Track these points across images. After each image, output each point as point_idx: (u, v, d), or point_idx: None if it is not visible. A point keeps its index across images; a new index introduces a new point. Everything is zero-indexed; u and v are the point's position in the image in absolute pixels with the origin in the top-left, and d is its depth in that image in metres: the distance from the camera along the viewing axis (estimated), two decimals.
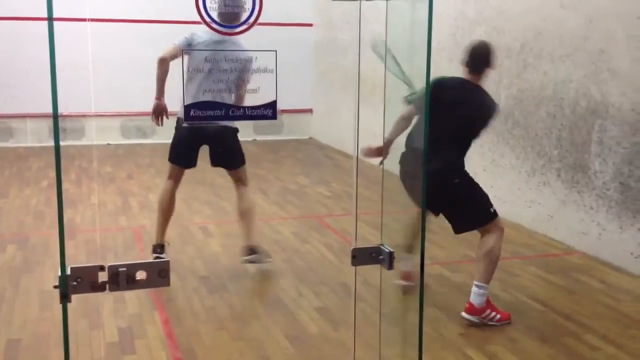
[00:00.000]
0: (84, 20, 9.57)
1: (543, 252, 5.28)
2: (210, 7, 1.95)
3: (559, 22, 5.44)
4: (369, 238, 2.04)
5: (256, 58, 2.17)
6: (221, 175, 7.84)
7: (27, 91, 9.77)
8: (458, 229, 3.99)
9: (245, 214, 4.68)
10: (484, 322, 3.83)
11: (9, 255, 5.00)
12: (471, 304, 3.83)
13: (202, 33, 3.96)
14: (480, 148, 6.53)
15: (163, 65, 4.23)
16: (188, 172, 4.73)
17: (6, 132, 9.90)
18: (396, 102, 4.06)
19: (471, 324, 3.82)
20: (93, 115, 9.47)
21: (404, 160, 3.84)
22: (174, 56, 4.21)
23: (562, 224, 5.46)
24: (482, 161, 6.52)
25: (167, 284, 1.88)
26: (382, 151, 3.82)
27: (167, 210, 4.66)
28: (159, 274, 1.87)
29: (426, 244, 1.97)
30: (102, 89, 7.95)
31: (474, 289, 3.85)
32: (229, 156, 4.71)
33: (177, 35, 4.45)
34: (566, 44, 5.36)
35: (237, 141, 4.68)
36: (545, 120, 5.62)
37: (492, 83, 6.28)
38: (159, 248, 4.62)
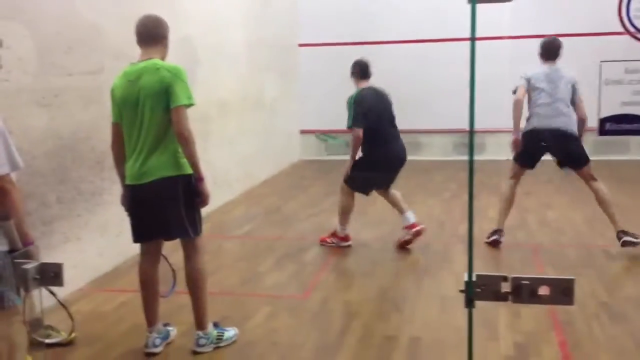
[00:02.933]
0: (500, 38, 9.94)
1: None
2: (634, 16, 1.82)
3: None
4: None
5: None
6: (630, 197, 7.25)
7: (436, 108, 10.54)
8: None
9: (602, 203, 5.38)
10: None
11: (413, 259, 5.44)
12: None
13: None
14: None
15: (517, 106, 5.48)
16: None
17: (415, 146, 10.82)
18: None
19: None
20: (493, 132, 9.83)
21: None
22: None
23: None
24: None
25: (571, 302, 1.81)
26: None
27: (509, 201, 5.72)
28: (563, 292, 1.81)
29: None
30: (495, 105, 8.05)
31: None
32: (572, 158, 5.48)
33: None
34: None
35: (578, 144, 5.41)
36: None
37: None
38: (498, 233, 5.61)
